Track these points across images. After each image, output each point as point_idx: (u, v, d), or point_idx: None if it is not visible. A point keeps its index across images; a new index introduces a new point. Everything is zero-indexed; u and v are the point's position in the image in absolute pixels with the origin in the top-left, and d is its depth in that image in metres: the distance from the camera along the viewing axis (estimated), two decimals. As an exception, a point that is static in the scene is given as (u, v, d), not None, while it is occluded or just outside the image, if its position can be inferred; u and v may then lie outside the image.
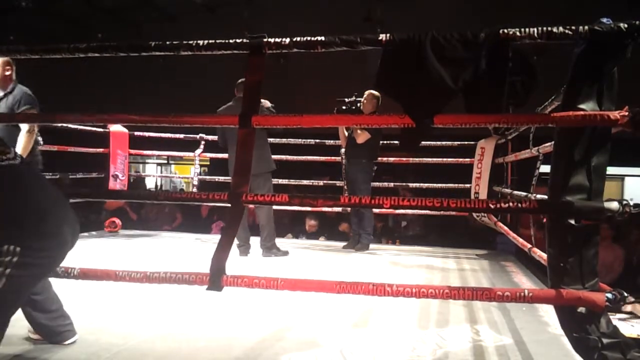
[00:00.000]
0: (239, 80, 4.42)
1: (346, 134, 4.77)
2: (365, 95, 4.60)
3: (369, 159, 4.70)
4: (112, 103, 8.51)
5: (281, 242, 5.07)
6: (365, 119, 3.18)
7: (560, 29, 1.59)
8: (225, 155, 5.20)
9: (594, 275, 1.63)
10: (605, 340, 1.56)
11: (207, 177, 5.88)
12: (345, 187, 4.88)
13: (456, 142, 5.02)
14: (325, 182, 5.46)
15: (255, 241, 4.37)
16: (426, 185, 5.20)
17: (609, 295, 1.56)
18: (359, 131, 4.60)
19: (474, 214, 4.69)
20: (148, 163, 13.74)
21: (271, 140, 4.92)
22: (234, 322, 2.44)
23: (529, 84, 1.68)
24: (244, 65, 1.87)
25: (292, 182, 5.27)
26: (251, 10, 8.07)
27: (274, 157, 5.11)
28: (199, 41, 1.88)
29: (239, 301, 2.67)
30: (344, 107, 4.48)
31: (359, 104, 4.55)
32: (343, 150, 4.90)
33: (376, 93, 4.57)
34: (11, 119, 2.98)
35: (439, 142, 5.06)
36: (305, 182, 5.32)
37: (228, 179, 4.65)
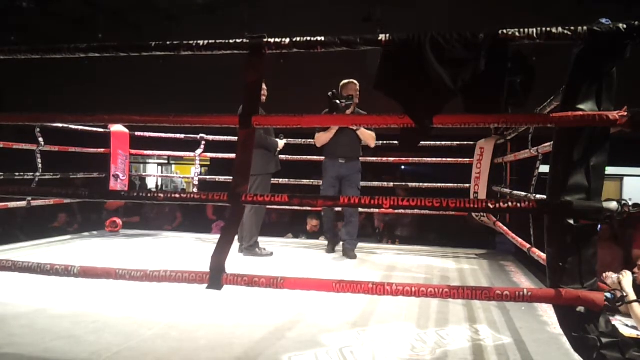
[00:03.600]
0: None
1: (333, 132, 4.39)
2: (351, 89, 4.31)
3: (359, 157, 4.58)
4: (112, 103, 8.53)
5: (281, 242, 5.10)
6: (366, 119, 3.18)
7: (560, 29, 1.59)
8: (226, 155, 5.22)
9: (592, 275, 1.64)
10: (604, 340, 1.57)
11: (208, 177, 5.89)
12: (323, 188, 4.50)
13: (456, 142, 5.03)
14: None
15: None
16: (426, 185, 5.21)
17: (608, 295, 1.57)
18: (372, 133, 4.46)
19: (474, 214, 4.69)
20: (149, 163, 13.76)
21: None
22: (234, 321, 2.45)
23: (528, 85, 1.68)
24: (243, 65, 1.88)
25: (292, 182, 5.28)
26: (251, 11, 8.08)
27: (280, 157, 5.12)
28: (199, 41, 1.89)
29: (239, 300, 2.68)
30: (342, 106, 4.16)
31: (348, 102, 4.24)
32: (325, 149, 4.50)
33: (351, 81, 4.37)
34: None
35: (438, 142, 5.07)
36: (305, 182, 5.33)
37: (228, 178, 4.65)
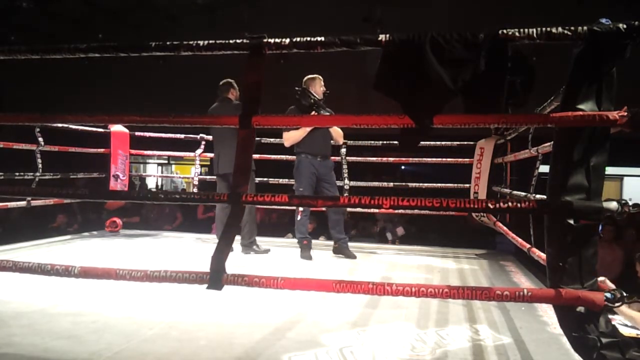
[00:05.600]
0: (222, 81, 4.44)
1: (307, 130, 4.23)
2: (318, 85, 4.28)
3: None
4: (112, 103, 8.53)
5: (281, 242, 5.10)
6: (366, 119, 3.18)
7: (560, 29, 1.59)
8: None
9: (592, 275, 1.64)
10: (604, 340, 1.57)
11: (208, 176, 5.88)
12: (302, 188, 4.26)
13: (456, 142, 5.03)
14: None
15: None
16: (426, 185, 5.21)
17: (608, 295, 1.57)
18: (340, 130, 4.47)
19: (474, 214, 4.69)
20: (149, 163, 13.77)
21: (271, 140, 4.93)
22: (235, 322, 2.45)
23: (528, 85, 1.68)
24: (243, 65, 1.88)
25: (292, 182, 5.27)
26: (251, 11, 8.08)
27: (275, 157, 5.13)
28: (199, 41, 1.89)
29: (239, 300, 2.68)
30: (315, 106, 4.09)
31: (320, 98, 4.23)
32: (300, 148, 4.32)
33: (316, 76, 4.34)
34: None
35: (438, 142, 5.07)
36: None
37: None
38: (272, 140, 4.96)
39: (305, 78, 4.34)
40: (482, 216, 4.65)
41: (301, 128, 4.20)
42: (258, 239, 4.42)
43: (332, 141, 4.52)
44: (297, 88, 4.18)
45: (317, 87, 4.29)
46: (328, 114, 4.08)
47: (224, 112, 4.11)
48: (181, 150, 5.96)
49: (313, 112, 4.08)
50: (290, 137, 4.29)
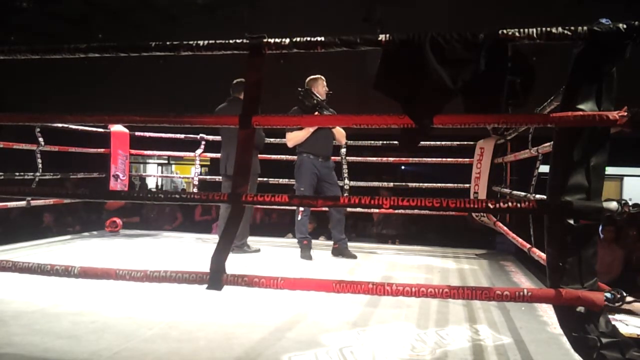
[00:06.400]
0: (235, 81, 4.44)
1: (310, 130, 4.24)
2: (320, 85, 4.28)
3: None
4: (112, 103, 8.53)
5: (281, 242, 5.11)
6: (366, 119, 3.18)
7: (560, 29, 1.59)
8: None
9: (592, 275, 1.64)
10: (604, 340, 1.57)
11: (208, 176, 5.89)
12: (303, 188, 4.26)
13: (456, 142, 5.03)
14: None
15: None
16: (426, 185, 5.21)
17: (608, 295, 1.57)
18: (343, 131, 4.48)
19: (474, 214, 4.69)
20: (149, 163, 13.78)
21: (271, 140, 4.94)
22: (234, 321, 2.45)
23: (528, 85, 1.68)
24: (244, 65, 1.88)
25: (292, 182, 5.28)
26: (251, 11, 8.08)
27: (275, 157, 5.14)
28: (199, 41, 1.89)
29: (239, 300, 2.68)
30: (318, 106, 4.10)
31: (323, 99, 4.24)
32: (303, 148, 4.32)
33: (318, 76, 4.34)
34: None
35: (438, 142, 5.07)
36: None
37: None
38: (272, 140, 4.96)
39: (308, 79, 4.33)
40: (482, 216, 4.65)
41: (305, 128, 4.20)
42: (258, 239, 4.44)
43: (334, 141, 4.52)
44: (299, 89, 4.18)
45: (320, 88, 4.29)
46: (331, 114, 4.08)
47: (230, 113, 4.12)
48: (181, 150, 5.96)
49: (316, 113, 4.09)
50: (294, 138, 4.29)
